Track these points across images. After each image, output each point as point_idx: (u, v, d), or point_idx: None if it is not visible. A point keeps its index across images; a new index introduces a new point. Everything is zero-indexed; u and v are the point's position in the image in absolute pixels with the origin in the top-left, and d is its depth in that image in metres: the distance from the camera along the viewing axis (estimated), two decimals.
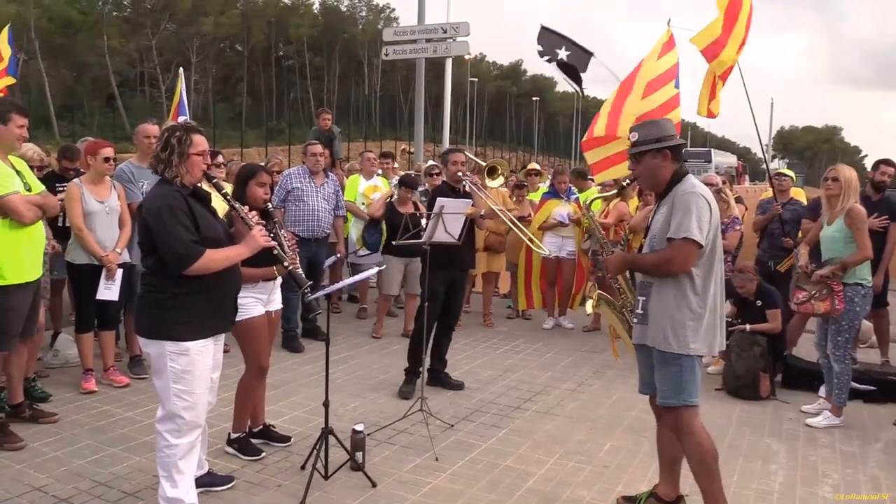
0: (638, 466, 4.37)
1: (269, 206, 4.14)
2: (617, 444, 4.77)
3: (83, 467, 4.10)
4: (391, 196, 7.35)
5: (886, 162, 6.71)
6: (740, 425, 5.21)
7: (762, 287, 6.16)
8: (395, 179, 8.90)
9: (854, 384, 5.58)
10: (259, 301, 4.19)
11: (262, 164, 7.24)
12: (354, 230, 8.10)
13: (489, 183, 6.45)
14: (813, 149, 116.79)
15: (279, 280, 4.33)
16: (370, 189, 8.12)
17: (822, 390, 5.52)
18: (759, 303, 6.08)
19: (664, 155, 3.47)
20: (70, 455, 4.25)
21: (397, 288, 7.33)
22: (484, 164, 6.81)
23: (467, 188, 5.75)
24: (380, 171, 8.60)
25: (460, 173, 5.69)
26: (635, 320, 3.57)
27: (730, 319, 6.13)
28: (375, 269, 4.77)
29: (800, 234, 6.74)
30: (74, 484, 3.88)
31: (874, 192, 6.52)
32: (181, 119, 7.75)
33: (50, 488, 3.82)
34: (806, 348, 7.01)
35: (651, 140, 3.48)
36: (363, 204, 8.03)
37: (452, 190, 5.66)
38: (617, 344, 4.08)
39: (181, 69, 8.91)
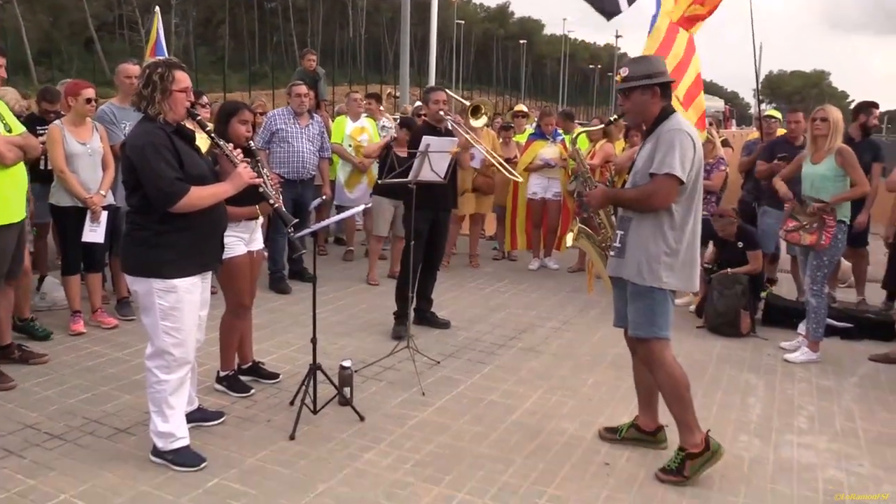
0: (620, 400, 4.48)
1: (251, 144, 4.10)
2: (600, 379, 4.88)
3: (74, 406, 4.15)
4: (393, 139, 7.26)
5: (875, 105, 6.74)
6: (720, 362, 5.33)
7: (742, 229, 6.24)
8: (383, 121, 8.82)
9: (832, 322, 5.71)
10: (241, 240, 4.19)
11: None
12: (342, 173, 8.05)
13: (473, 123, 6.41)
14: (801, 93, 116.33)
15: (261, 220, 4.33)
16: (357, 131, 8.05)
17: (802, 327, 5.64)
18: (740, 244, 6.17)
19: (653, 91, 3.47)
20: (61, 394, 4.30)
21: (387, 229, 7.32)
22: (467, 103, 6.75)
23: (449, 127, 5.72)
24: (366, 113, 8.51)
25: (442, 112, 5.65)
26: (612, 253, 3.63)
27: (709, 266, 6.22)
28: (361, 207, 4.78)
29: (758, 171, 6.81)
30: (66, 421, 3.93)
31: (859, 135, 6.57)
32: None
33: (42, 426, 3.87)
34: (787, 287, 7.16)
35: (641, 76, 3.48)
36: (350, 146, 7.97)
37: (433, 129, 5.62)
38: (594, 280, 4.14)
39: (157, 8, 8.66)
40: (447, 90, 6.09)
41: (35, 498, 3.17)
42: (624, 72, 3.54)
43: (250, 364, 4.59)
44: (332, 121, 8.44)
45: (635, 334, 3.56)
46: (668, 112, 3.48)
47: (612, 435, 3.93)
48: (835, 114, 5.23)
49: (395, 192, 6.31)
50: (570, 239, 4.03)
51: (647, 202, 3.41)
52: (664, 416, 3.71)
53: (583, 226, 4.01)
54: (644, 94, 3.47)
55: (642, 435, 3.87)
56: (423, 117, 7.26)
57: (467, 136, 5.84)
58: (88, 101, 5.24)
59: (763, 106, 8.96)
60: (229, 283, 4.21)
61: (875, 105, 6.74)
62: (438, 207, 5.61)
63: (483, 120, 6.51)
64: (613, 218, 3.83)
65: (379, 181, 5.55)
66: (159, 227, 3.29)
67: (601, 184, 3.93)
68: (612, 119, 4.14)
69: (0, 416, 3.97)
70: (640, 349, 3.61)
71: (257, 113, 7.62)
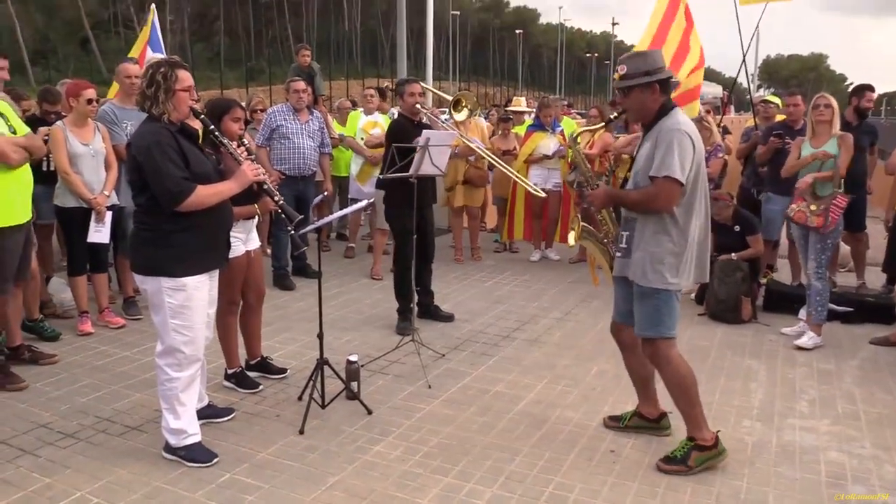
0: (623, 389, 4.51)
1: (245, 142, 4.07)
2: (603, 368, 4.93)
3: (86, 404, 4.21)
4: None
5: (870, 88, 6.80)
6: (722, 347, 5.38)
7: (739, 213, 6.27)
8: (395, 113, 8.84)
9: (833, 306, 5.75)
10: (239, 240, 4.18)
11: (244, 103, 7.14)
12: (354, 165, 8.10)
13: (455, 117, 6.38)
14: (798, 77, 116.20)
15: (257, 219, 4.35)
16: (369, 125, 8.12)
17: (802, 312, 5.69)
18: (736, 228, 6.20)
19: (653, 88, 3.44)
20: (72, 393, 4.36)
21: None
22: (446, 95, 6.73)
23: (425, 120, 5.73)
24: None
25: (418, 105, 5.67)
26: (618, 254, 3.62)
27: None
28: (363, 203, 4.81)
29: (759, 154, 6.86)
30: (79, 420, 3.99)
31: (855, 118, 6.64)
32: (153, 56, 7.61)
33: (55, 425, 3.93)
34: (785, 272, 7.20)
35: (639, 73, 3.44)
36: (362, 139, 8.05)
37: (410, 122, 5.61)
38: (596, 271, 4.15)
39: (153, 5, 8.64)
40: (421, 83, 6.06)
41: (52, 496, 3.22)
42: (622, 69, 3.49)
43: (258, 360, 4.64)
44: (331, 116, 8.47)
45: (641, 334, 3.56)
46: (667, 108, 3.46)
47: (615, 423, 3.98)
48: (834, 101, 5.46)
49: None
50: (572, 238, 4.03)
51: (650, 205, 3.40)
52: (667, 402, 3.76)
53: (584, 224, 4.01)
54: (643, 92, 3.44)
55: (646, 422, 3.91)
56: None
57: (453, 129, 5.88)
58: (90, 101, 5.28)
59: (761, 91, 9.05)
60: (225, 282, 4.20)
61: (870, 88, 6.81)
62: (422, 204, 5.58)
63: (464, 113, 6.45)
64: (614, 214, 3.84)
65: (380, 175, 5.57)
66: (167, 227, 3.33)
67: (602, 175, 3.94)
68: (612, 117, 4.12)
69: (13, 416, 4.03)
70: (647, 348, 3.60)
71: (258, 110, 7.67)
